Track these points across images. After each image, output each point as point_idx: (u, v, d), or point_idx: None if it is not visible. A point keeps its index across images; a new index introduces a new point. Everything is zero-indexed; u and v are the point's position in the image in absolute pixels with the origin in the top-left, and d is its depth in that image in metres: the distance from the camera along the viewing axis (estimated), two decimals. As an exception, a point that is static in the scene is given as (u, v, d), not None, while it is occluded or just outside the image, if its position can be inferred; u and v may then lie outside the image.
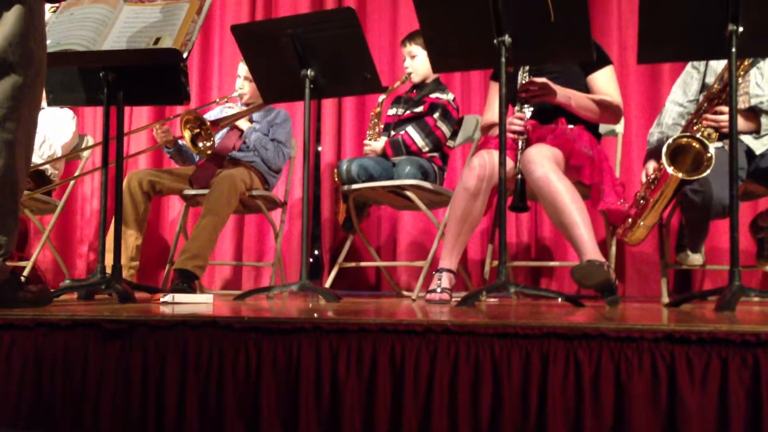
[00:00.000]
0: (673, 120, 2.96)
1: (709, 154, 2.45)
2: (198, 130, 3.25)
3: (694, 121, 2.76)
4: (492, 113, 2.99)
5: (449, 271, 2.65)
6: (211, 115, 3.83)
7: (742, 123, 2.68)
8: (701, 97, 2.83)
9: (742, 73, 2.75)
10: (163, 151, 3.78)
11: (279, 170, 3.73)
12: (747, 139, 2.71)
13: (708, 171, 2.45)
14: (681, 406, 1.26)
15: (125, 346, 1.50)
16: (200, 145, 3.24)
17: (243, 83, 3.69)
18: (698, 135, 2.60)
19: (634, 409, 1.28)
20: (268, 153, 3.57)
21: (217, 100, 3.79)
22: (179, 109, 4.58)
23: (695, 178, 2.50)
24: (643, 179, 2.88)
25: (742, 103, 2.75)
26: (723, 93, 2.70)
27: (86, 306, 2.12)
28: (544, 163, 2.53)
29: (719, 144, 2.70)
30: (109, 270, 2.48)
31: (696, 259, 2.95)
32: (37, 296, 1.95)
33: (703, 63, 2.96)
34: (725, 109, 2.67)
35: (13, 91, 1.81)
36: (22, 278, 2.03)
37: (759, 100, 2.74)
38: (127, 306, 2.13)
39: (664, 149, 2.51)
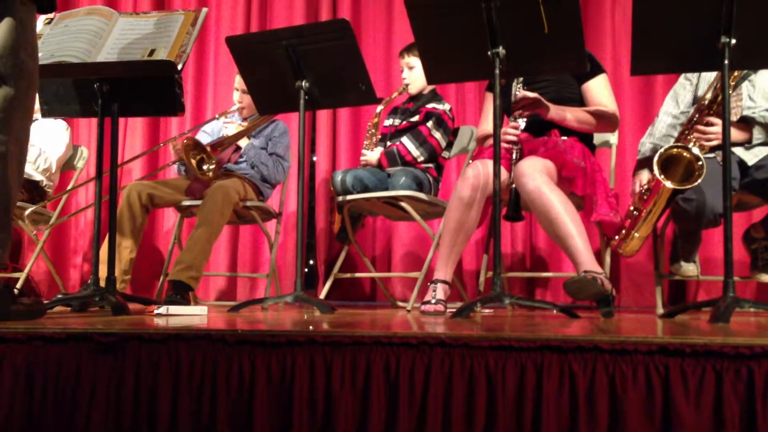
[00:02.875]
0: (665, 131, 2.97)
1: (700, 163, 2.46)
2: (201, 156, 3.28)
3: (686, 131, 2.78)
4: (488, 124, 3.00)
5: (444, 282, 2.64)
6: (209, 127, 3.83)
7: (733, 134, 2.69)
8: (693, 109, 2.84)
9: (732, 84, 2.76)
10: (176, 170, 3.77)
11: (278, 183, 3.73)
12: (738, 150, 2.72)
13: (699, 180, 2.46)
14: (676, 419, 1.26)
15: (118, 359, 1.49)
16: (204, 168, 3.27)
17: (242, 97, 3.69)
18: (690, 145, 2.62)
19: (628, 422, 1.28)
20: (268, 169, 3.57)
21: (217, 116, 3.78)
22: (174, 121, 4.60)
23: (687, 187, 2.51)
24: (636, 189, 2.89)
25: (733, 116, 2.76)
26: (714, 104, 2.72)
27: (79, 318, 2.11)
28: (536, 175, 2.54)
29: (711, 155, 2.71)
30: (102, 282, 2.47)
31: (690, 270, 2.96)
32: (30, 308, 1.94)
33: (695, 74, 2.97)
34: (715, 120, 2.69)
35: (5, 102, 1.81)
36: (16, 290, 2.02)
37: (750, 111, 2.76)
38: (120, 318, 2.12)
39: (655, 159, 2.52)
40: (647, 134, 3.08)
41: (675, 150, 2.54)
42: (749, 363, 1.25)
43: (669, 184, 2.53)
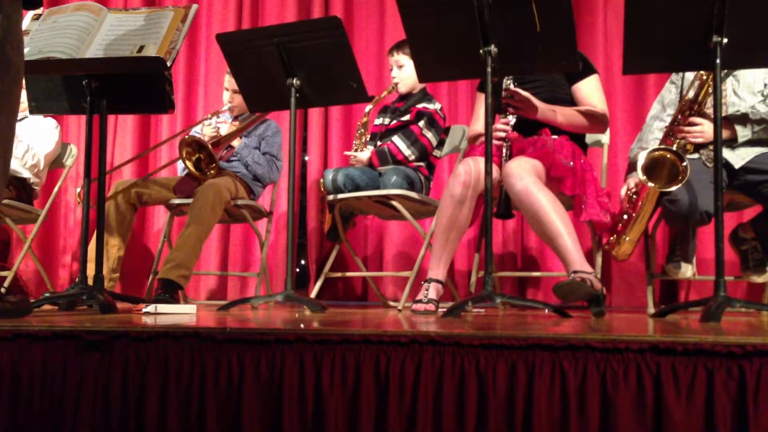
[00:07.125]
0: (654, 136, 2.97)
1: (684, 164, 2.47)
2: (197, 155, 3.24)
3: (670, 133, 2.78)
4: (479, 124, 2.99)
5: (437, 281, 2.63)
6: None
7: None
8: (675, 109, 2.84)
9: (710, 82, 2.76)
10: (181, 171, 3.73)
11: (272, 183, 3.72)
12: (723, 152, 2.71)
13: (684, 181, 2.46)
14: (667, 418, 1.26)
15: (105, 358, 1.48)
16: (204, 168, 3.23)
17: (232, 97, 3.66)
18: (674, 147, 2.62)
19: (620, 421, 1.28)
20: (262, 169, 3.56)
21: (209, 116, 3.76)
22: (165, 119, 4.57)
23: (672, 189, 2.51)
24: (622, 194, 2.89)
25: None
26: (695, 104, 2.72)
27: (66, 317, 2.09)
28: (523, 176, 2.53)
29: (695, 155, 2.72)
30: (90, 280, 2.45)
31: (684, 272, 2.95)
32: (17, 306, 1.92)
33: (680, 77, 2.97)
34: (698, 120, 2.69)
35: (-11, 98, 1.79)
36: (2, 289, 2.00)
37: (736, 108, 2.75)
38: (108, 317, 2.11)
39: (639, 163, 2.53)
40: (636, 140, 3.08)
41: (658, 153, 2.55)
42: (741, 362, 1.24)
43: (653, 186, 2.54)
